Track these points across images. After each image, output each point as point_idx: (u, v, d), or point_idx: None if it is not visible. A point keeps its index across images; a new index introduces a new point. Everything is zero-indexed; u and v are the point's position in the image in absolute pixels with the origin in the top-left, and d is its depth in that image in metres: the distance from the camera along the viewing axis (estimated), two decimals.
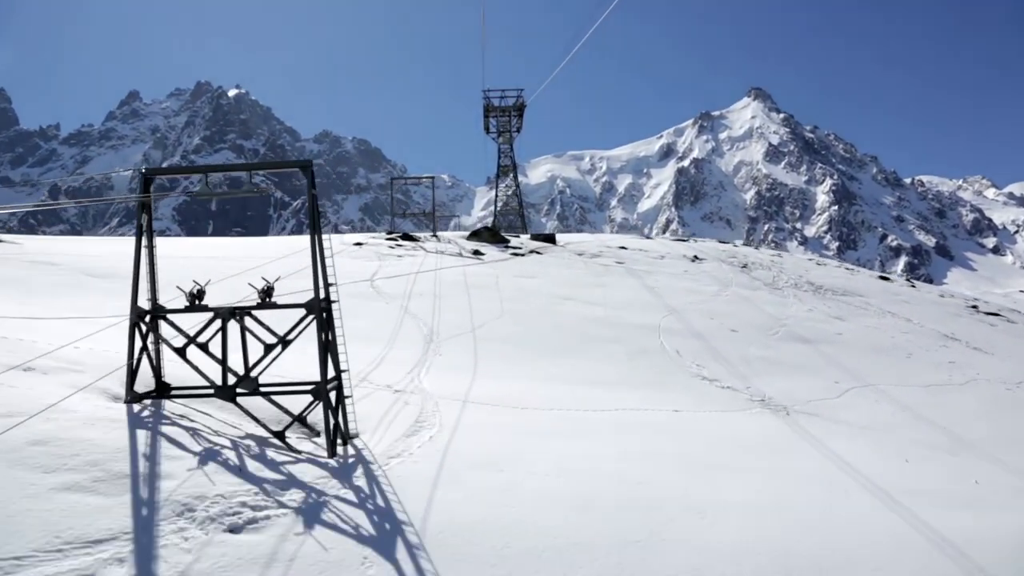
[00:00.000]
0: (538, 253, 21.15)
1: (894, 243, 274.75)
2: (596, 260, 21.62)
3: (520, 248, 21.68)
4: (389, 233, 23.06)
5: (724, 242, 33.92)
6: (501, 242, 22.21)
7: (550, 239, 23.55)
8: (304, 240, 21.45)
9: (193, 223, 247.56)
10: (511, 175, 41.75)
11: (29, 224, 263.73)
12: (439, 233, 24.66)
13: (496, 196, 42.95)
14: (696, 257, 25.13)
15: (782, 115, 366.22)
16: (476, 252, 19.96)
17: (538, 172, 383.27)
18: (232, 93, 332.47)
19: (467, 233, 23.96)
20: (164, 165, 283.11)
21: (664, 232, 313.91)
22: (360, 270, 16.07)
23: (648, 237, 29.76)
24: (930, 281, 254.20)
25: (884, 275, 28.29)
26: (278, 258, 16.13)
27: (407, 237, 22.39)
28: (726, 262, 25.14)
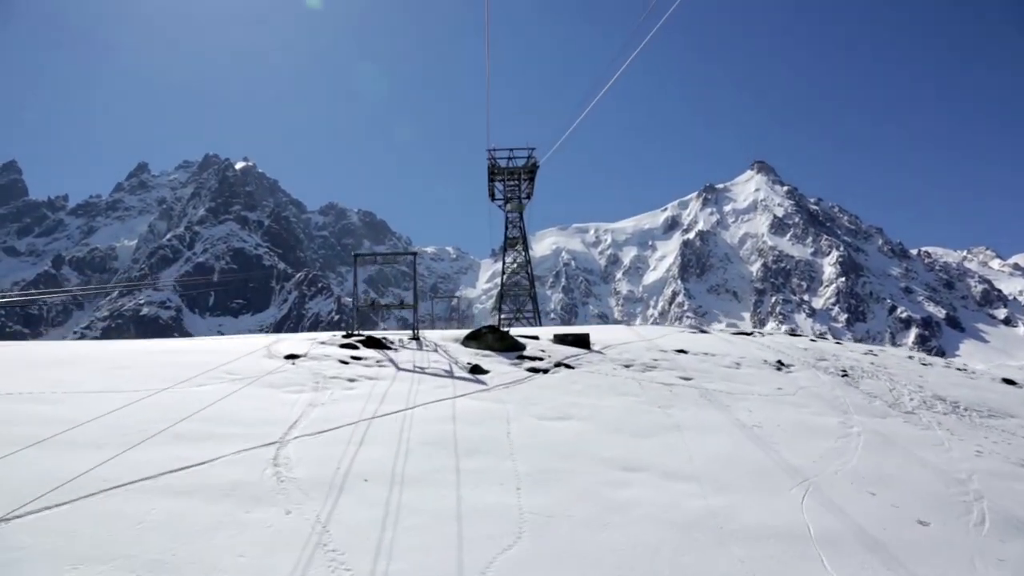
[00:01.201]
0: (568, 367, 14.37)
1: (904, 315, 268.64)
2: (652, 375, 14.84)
3: (541, 358, 14.88)
4: (347, 335, 16.26)
5: (794, 334, 27.07)
6: (512, 348, 15.42)
7: (582, 342, 16.74)
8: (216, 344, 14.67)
9: (194, 295, 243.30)
10: (519, 246, 35.45)
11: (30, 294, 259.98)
12: (423, 333, 17.67)
13: (503, 270, 36.54)
14: (781, 363, 18.34)
15: (786, 187, 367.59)
16: (475, 369, 13.27)
17: (543, 244, 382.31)
18: (239, 165, 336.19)
19: (464, 333, 17.00)
20: (170, 235, 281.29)
21: (670, 305, 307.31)
22: (272, 416, 9.31)
23: (703, 330, 23.13)
24: (942, 354, 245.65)
25: (1008, 379, 21.57)
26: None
27: (372, 342, 15.60)
28: (818, 367, 18.38)
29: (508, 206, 34.68)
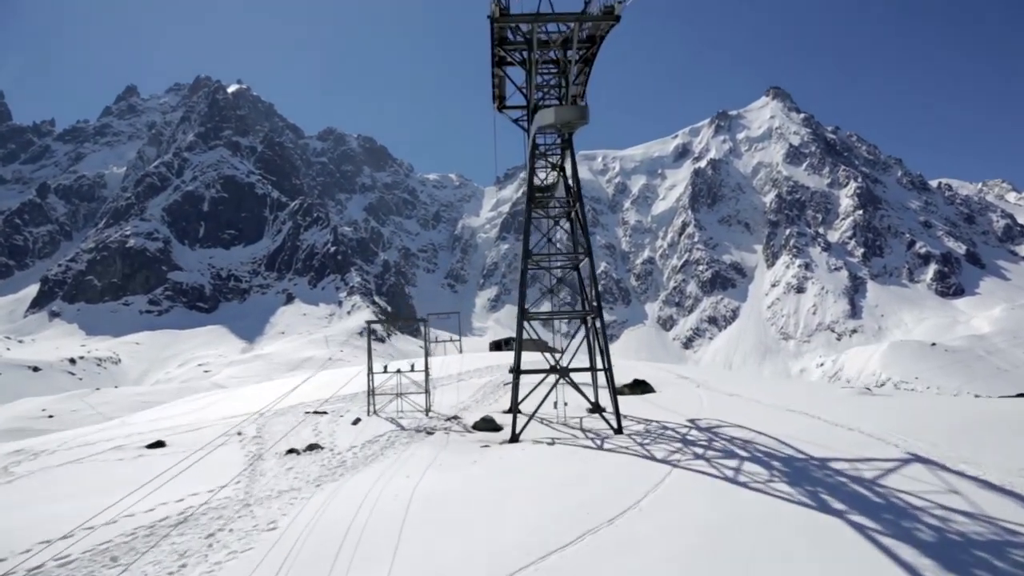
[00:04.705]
0: None
1: (922, 250, 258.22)
2: None
3: None
4: None
5: None
6: None
7: None
8: None
9: (184, 224, 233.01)
10: (555, 198, 20.16)
11: (14, 224, 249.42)
12: None
13: (525, 234, 18.59)
14: None
15: (802, 115, 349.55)
16: None
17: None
18: (231, 89, 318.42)
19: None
20: (157, 162, 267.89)
21: (680, 236, 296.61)
22: None
23: None
24: (962, 291, 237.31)
25: None
26: None
27: None
28: None
29: (535, 120, 16.61)
